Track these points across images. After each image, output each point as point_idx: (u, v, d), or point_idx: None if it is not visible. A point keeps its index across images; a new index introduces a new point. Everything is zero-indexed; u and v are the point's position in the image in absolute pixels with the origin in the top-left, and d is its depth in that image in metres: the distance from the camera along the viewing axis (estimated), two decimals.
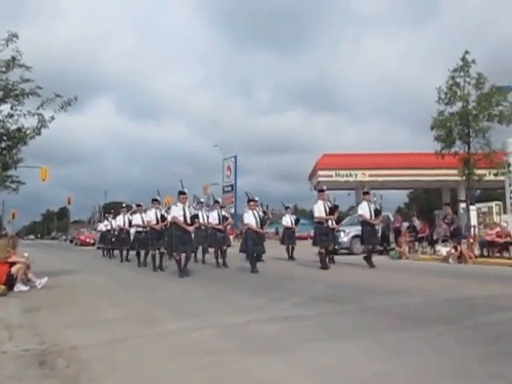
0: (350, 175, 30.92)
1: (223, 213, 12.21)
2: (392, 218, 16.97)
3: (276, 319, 4.44)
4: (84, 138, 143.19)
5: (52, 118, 8.51)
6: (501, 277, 8.29)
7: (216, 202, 12.63)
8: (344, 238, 15.88)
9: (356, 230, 15.65)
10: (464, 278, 8.25)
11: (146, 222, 11.42)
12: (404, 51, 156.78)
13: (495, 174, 16.52)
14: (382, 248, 15.79)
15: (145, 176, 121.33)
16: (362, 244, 11.32)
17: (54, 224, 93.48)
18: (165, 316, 4.74)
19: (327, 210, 10.13)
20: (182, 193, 9.00)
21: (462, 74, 15.70)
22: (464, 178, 16.30)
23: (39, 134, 8.53)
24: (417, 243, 15.70)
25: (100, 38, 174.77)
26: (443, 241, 14.19)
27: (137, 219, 12.09)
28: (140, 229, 11.86)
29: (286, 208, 14.58)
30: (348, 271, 9.75)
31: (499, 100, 15.24)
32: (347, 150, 43.35)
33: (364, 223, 10.72)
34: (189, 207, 9.00)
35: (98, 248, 22.82)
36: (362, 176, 30.79)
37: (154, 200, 11.07)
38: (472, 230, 15.18)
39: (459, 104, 15.77)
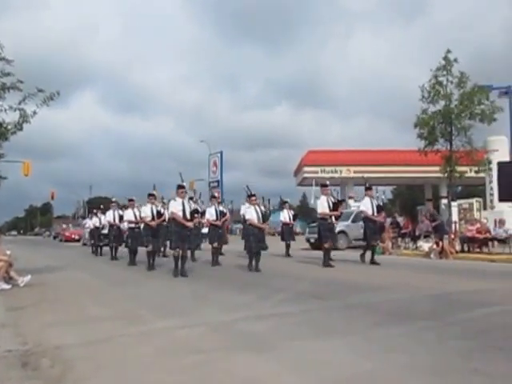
0: (335, 171, 31.20)
1: (221, 208, 11.69)
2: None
3: (262, 317, 4.46)
4: (68, 131, 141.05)
5: (34, 112, 8.35)
6: (481, 272, 8.50)
7: (213, 196, 12.05)
8: None
9: (340, 225, 15.85)
10: (446, 273, 8.42)
11: (138, 218, 10.89)
12: (392, 48, 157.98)
13: (476, 172, 16.91)
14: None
15: (130, 171, 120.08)
16: (364, 241, 10.81)
17: (37, 220, 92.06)
18: (150, 314, 4.71)
19: (331, 205, 9.71)
20: (180, 186, 8.44)
21: (444, 72, 15.95)
22: (446, 175, 16.63)
23: (21, 129, 8.37)
24: (400, 239, 15.94)
25: (85, 30, 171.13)
26: (425, 236, 14.45)
27: (129, 215, 11.37)
28: (133, 225, 11.22)
29: (284, 203, 13.90)
30: (333, 267, 9.84)
31: (481, 99, 15.55)
32: (334, 146, 43.63)
33: (366, 220, 10.40)
34: (188, 202, 8.48)
35: (85, 244, 22.30)
36: (346, 172, 31.12)
37: (150, 195, 10.41)
38: (453, 225, 15.49)
39: (442, 102, 16.05)
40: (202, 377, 2.73)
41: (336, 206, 9.81)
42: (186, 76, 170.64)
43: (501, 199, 14.57)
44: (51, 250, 22.25)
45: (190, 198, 13.33)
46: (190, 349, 3.32)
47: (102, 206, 16.31)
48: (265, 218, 9.22)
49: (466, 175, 17.10)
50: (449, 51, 15.89)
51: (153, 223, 9.96)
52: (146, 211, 10.10)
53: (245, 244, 9.29)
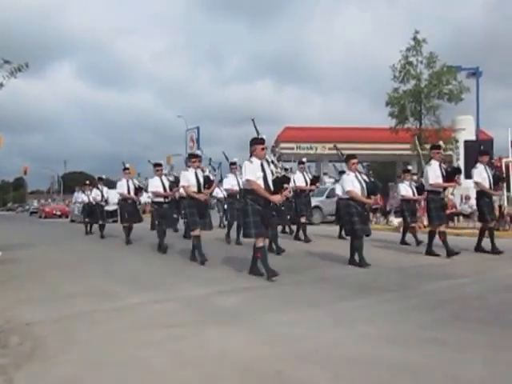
0: (311, 148, 31.54)
1: (310, 175, 9.67)
2: None
3: (235, 291, 4.56)
4: (43, 103, 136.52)
5: (1, 85, 8.15)
6: None
7: (301, 162, 9.70)
8: None
9: (315, 201, 16.20)
10: (413, 247, 8.66)
11: (167, 190, 8.38)
12: (377, 26, 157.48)
13: (444, 150, 17.40)
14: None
15: (107, 145, 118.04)
16: (479, 221, 8.21)
17: (9, 195, 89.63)
18: (125, 290, 4.71)
19: (444, 174, 7.26)
20: (259, 141, 5.49)
21: (414, 53, 16.27)
22: (415, 152, 17.09)
23: None
24: (371, 214, 16.39)
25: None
26: (395, 212, 14.92)
27: (155, 184, 8.29)
28: (160, 199, 8.40)
29: (340, 173, 11.28)
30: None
31: (449, 79, 15.94)
32: (316, 122, 43.68)
33: (481, 194, 7.70)
34: (269, 165, 5.59)
35: (73, 221, 20.91)
36: (322, 149, 31.48)
37: (193, 156, 7.20)
38: (422, 201, 16.00)
39: (412, 82, 16.40)
40: (174, 351, 2.78)
41: (451, 175, 7.33)
42: (167, 49, 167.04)
43: (467, 176, 15.15)
44: (29, 226, 20.87)
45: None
46: (162, 323, 3.37)
47: (104, 176, 13.58)
48: (372, 189, 6.53)
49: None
50: (417, 32, 16.19)
51: (201, 196, 6.83)
52: (190, 179, 6.86)
53: (345, 227, 7.00)
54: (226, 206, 10.63)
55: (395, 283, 4.97)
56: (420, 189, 9.15)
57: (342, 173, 10.77)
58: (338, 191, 10.46)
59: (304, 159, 10.45)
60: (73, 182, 45.19)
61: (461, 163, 18.27)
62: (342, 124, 34.03)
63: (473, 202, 14.10)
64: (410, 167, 10.11)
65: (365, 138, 30.51)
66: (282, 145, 32.17)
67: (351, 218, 6.29)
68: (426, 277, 5.35)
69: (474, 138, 16.83)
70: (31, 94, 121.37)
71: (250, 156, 5.46)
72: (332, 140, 31.38)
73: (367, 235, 6.40)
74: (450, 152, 17.82)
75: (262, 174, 5.33)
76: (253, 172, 5.31)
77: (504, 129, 16.38)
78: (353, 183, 6.33)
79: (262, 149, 5.44)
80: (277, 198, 5.36)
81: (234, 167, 9.29)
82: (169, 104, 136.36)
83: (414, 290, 4.59)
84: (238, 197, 9.26)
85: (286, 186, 5.66)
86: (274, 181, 5.41)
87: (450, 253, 6.97)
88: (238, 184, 9.18)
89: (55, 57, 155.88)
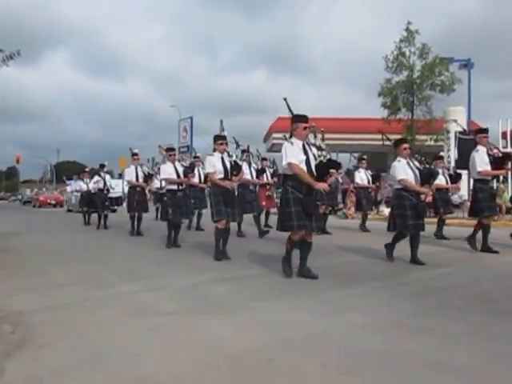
0: None
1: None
2: (341, 180, 17.67)
3: (226, 279, 4.59)
4: (36, 92, 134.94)
5: None
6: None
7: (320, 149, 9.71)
8: None
9: None
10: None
11: (182, 175, 7.62)
12: (373, 17, 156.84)
13: (435, 140, 17.59)
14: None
15: (100, 134, 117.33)
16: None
17: (1, 184, 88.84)
18: (116, 279, 4.72)
19: (492, 160, 6.58)
20: (303, 119, 4.84)
21: (407, 44, 16.37)
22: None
23: None
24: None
25: None
26: (386, 202, 15.06)
27: (168, 171, 7.56)
28: (174, 186, 7.63)
29: (360, 160, 10.81)
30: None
31: (441, 70, 16.06)
32: (309, 113, 43.47)
33: None
34: (310, 148, 4.87)
35: (70, 211, 20.33)
36: (313, 140, 31.56)
37: (219, 138, 6.33)
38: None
39: (405, 73, 16.52)
40: (165, 339, 2.81)
41: (500, 162, 6.57)
42: (162, 38, 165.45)
43: (458, 167, 15.33)
44: (30, 215, 20.16)
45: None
46: (153, 312, 3.40)
47: (106, 163, 12.69)
48: (427, 177, 5.78)
49: (426, 143, 17.78)
50: (409, 23, 16.31)
51: (228, 184, 6.00)
52: (215, 164, 6.04)
53: (391, 221, 5.90)
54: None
55: (383, 272, 5.04)
56: (453, 177, 8.91)
57: (361, 160, 10.82)
58: (358, 179, 10.76)
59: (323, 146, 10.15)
60: (66, 171, 44.83)
61: (451, 154, 18.46)
62: (335, 114, 34.07)
63: (463, 192, 14.34)
64: (442, 153, 9.78)
65: (357, 128, 30.56)
66: (275, 135, 32.20)
67: (404, 212, 5.57)
68: (413, 266, 5.42)
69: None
70: (25, 83, 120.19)
71: (290, 136, 4.79)
72: (324, 130, 31.55)
73: (422, 229, 5.65)
74: (441, 143, 17.99)
75: (304, 158, 4.61)
76: (295, 155, 4.57)
77: (495, 120, 16.60)
78: (405, 171, 5.61)
79: (305, 128, 4.70)
80: (322, 186, 4.59)
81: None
82: (163, 93, 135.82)
83: (401, 279, 4.65)
84: (249, 186, 9.01)
85: (332, 171, 4.89)
86: (317, 165, 4.71)
87: (490, 249, 6.54)
88: (250, 172, 8.87)
89: (50, 46, 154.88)
